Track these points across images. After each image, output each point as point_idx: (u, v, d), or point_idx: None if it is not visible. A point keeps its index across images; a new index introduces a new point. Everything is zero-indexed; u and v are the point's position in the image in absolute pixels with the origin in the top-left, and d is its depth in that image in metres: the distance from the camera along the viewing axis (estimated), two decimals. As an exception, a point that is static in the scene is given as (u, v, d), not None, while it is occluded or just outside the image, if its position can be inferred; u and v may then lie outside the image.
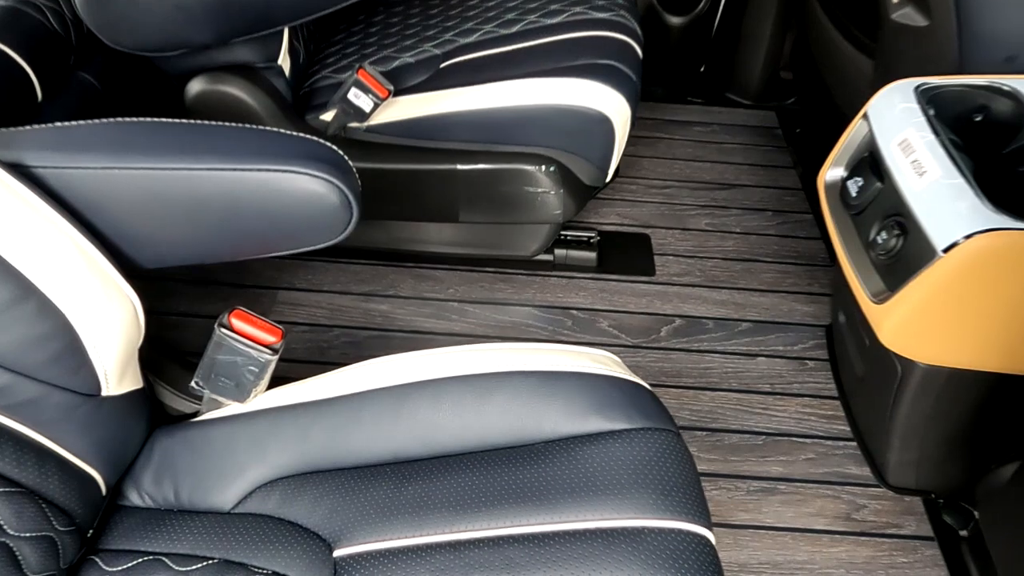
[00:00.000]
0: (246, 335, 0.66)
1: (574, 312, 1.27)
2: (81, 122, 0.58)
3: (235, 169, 0.53)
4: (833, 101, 1.38)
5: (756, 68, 1.76)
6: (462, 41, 1.19)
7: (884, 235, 0.80)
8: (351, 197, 0.55)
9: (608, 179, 1.15)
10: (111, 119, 0.58)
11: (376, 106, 1.05)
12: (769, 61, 1.75)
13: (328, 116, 1.10)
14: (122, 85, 1.12)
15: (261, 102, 1.03)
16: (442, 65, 1.16)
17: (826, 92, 1.42)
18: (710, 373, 1.19)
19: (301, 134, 0.56)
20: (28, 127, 0.58)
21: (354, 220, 0.57)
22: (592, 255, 1.34)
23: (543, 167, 1.10)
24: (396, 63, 1.18)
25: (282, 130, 0.57)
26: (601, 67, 1.06)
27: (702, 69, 1.84)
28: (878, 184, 0.83)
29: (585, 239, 1.36)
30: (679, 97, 1.78)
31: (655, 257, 1.37)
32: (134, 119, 0.58)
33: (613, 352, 1.21)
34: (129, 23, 0.88)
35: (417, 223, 1.23)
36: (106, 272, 0.58)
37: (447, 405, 0.67)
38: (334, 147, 0.56)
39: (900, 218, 0.78)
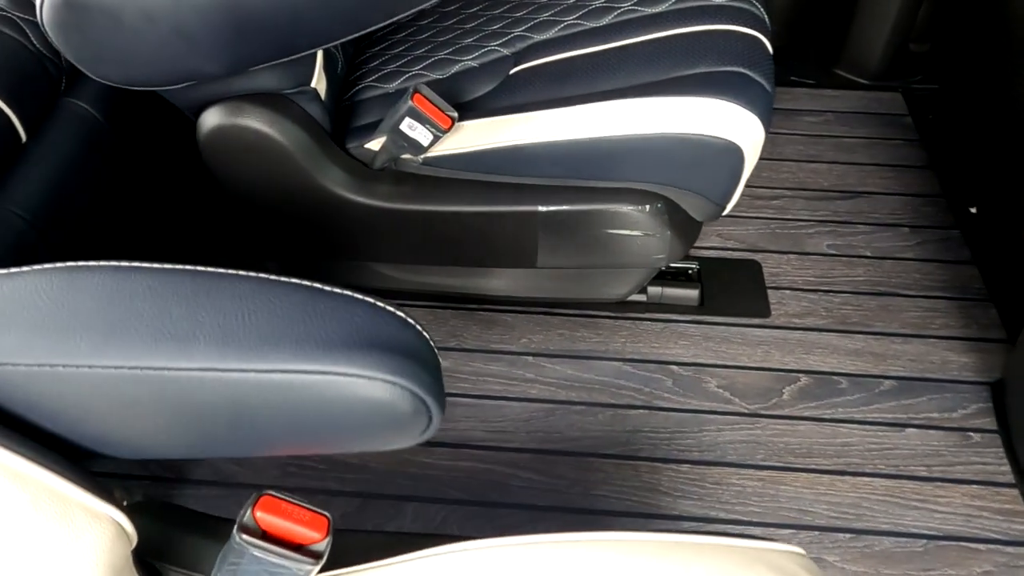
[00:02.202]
0: (278, 535, 0.46)
1: (674, 368, 1.04)
2: (12, 271, 0.37)
3: (248, 371, 0.33)
4: (1007, 88, 1.09)
5: (879, 38, 1.46)
6: (537, 38, 0.94)
7: None
8: (430, 403, 0.34)
9: (726, 212, 0.91)
10: (58, 265, 0.37)
11: (436, 139, 0.82)
12: (897, 30, 1.44)
13: (375, 144, 0.88)
14: (125, 112, 0.91)
15: (290, 136, 0.81)
16: (513, 70, 0.92)
17: (995, 74, 1.13)
18: (849, 451, 0.96)
19: (348, 292, 0.35)
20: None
21: (433, 427, 0.36)
22: (693, 292, 1.10)
23: (646, 207, 0.87)
24: (456, 68, 0.95)
25: (320, 286, 0.36)
26: (727, 77, 0.81)
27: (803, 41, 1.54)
28: None
29: (684, 271, 1.13)
30: (780, 77, 1.49)
31: (768, 291, 1.13)
32: (92, 265, 0.37)
33: (726, 423, 1.02)
34: (115, 53, 0.67)
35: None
36: (67, 497, 0.38)
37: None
38: (403, 317, 0.35)
39: None
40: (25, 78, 0.82)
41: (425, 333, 0.36)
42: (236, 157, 0.83)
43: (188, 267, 0.37)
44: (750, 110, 0.79)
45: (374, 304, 0.35)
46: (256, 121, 0.79)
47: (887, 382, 1.03)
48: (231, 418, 0.36)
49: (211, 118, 0.80)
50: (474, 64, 0.94)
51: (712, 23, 0.87)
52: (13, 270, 0.38)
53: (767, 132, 0.83)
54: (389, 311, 0.35)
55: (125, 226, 0.95)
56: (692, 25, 0.87)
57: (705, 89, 0.79)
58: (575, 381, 1.03)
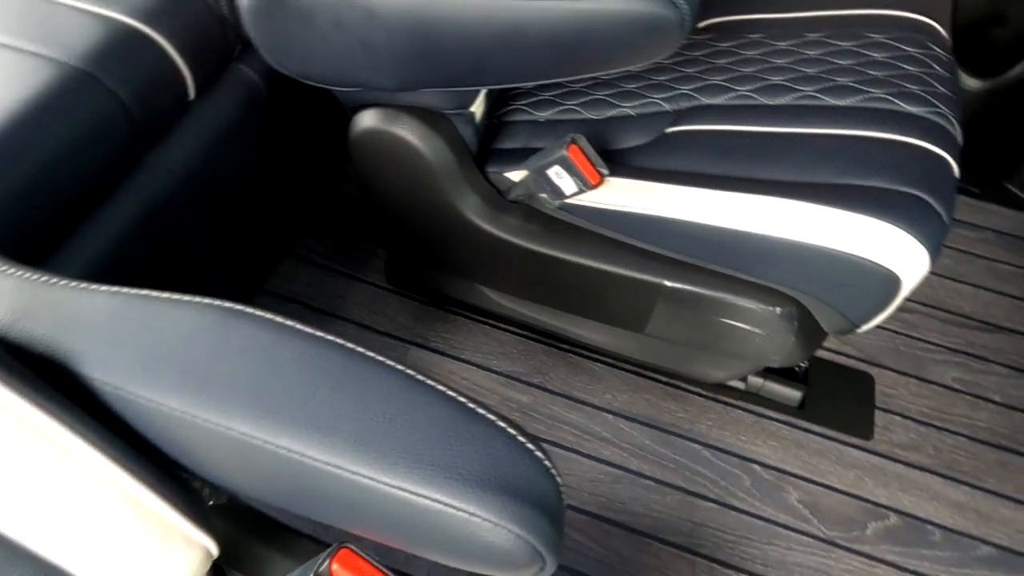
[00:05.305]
0: (349, 593, 0.46)
1: (756, 467, 0.99)
2: (175, 298, 0.38)
3: (377, 481, 0.32)
4: None
5: (1065, 162, 1.33)
6: (704, 101, 0.90)
7: None
8: (548, 558, 0.33)
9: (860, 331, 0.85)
10: (215, 303, 0.37)
11: (580, 192, 0.80)
12: (1089, 159, 1.31)
13: (515, 176, 0.87)
14: (287, 88, 0.93)
15: (437, 154, 0.81)
16: (670, 129, 0.88)
17: None
18: (926, 612, 0.89)
19: (492, 417, 0.34)
20: (89, 286, 0.39)
21: (546, 574, 0.34)
22: (796, 393, 1.04)
23: (776, 308, 0.82)
24: (612, 112, 0.92)
25: (464, 400, 0.34)
26: (904, 201, 0.74)
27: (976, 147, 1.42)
28: None
29: (791, 367, 1.07)
30: (943, 178, 1.38)
31: (877, 412, 1.06)
32: (248, 312, 0.37)
33: (799, 543, 0.95)
34: (299, 50, 0.68)
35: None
36: (170, 524, 0.39)
37: None
38: (542, 459, 0.33)
39: None
40: (205, 40, 0.85)
41: (559, 478, 0.34)
42: (381, 160, 0.84)
43: (339, 341, 0.37)
44: (922, 242, 0.73)
45: (516, 439, 0.33)
46: (409, 133, 0.79)
47: (986, 547, 0.94)
48: (346, 509, 0.35)
49: (367, 119, 0.81)
50: (632, 113, 0.91)
51: (900, 133, 0.80)
52: (175, 296, 0.38)
53: (932, 265, 0.76)
54: (529, 448, 0.34)
55: (260, 195, 0.98)
56: (877, 130, 0.81)
57: (877, 209, 0.73)
58: (650, 453, 1.00)
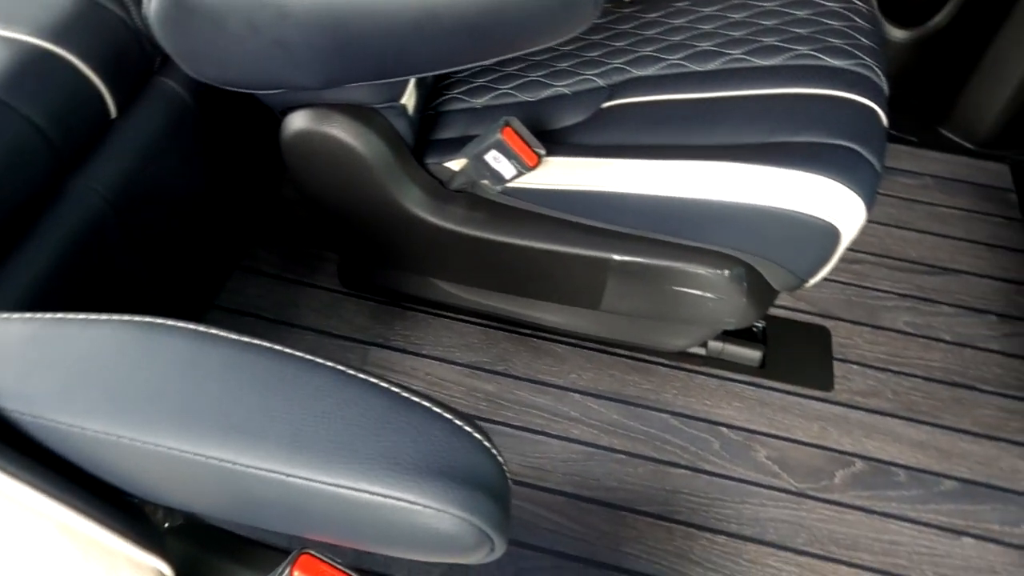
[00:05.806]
0: (313, 599, 0.45)
1: (724, 430, 1.01)
2: (91, 318, 0.37)
3: (313, 481, 0.31)
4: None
5: (994, 103, 1.36)
6: (636, 73, 0.90)
7: None
8: (496, 539, 0.32)
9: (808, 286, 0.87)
10: (136, 319, 0.36)
11: (520, 174, 0.80)
12: (1016, 96, 1.34)
13: (455, 165, 0.86)
14: (213, 97, 0.91)
15: (373, 149, 0.80)
16: (606, 104, 0.88)
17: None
18: (896, 550, 0.91)
19: (428, 404, 0.33)
20: (15, 316, 0.37)
21: (494, 556, 0.34)
22: (756, 353, 1.06)
23: (724, 271, 0.83)
24: (547, 93, 0.91)
25: (398, 390, 0.34)
26: (835, 152, 0.75)
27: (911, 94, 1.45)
28: None
29: (749, 329, 1.08)
30: (880, 129, 1.41)
31: (835, 363, 1.08)
32: (170, 325, 0.36)
33: (771, 498, 0.97)
34: (215, 55, 0.66)
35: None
36: (114, 550, 0.38)
37: None
38: (480, 440, 0.33)
39: None
40: (121, 55, 0.82)
41: (500, 458, 0.34)
42: (316, 162, 0.82)
43: (266, 344, 0.36)
44: (856, 192, 0.74)
45: (452, 423, 0.33)
46: (341, 131, 0.78)
47: (948, 482, 0.97)
48: (288, 513, 0.34)
49: (297, 121, 0.79)
50: (567, 91, 0.91)
51: (827, 87, 0.81)
52: (92, 317, 0.37)
53: (869, 214, 0.78)
54: (467, 431, 0.33)
55: (198, 210, 0.95)
56: (805, 86, 0.82)
57: (810, 163, 0.74)
58: (619, 427, 1.00)
